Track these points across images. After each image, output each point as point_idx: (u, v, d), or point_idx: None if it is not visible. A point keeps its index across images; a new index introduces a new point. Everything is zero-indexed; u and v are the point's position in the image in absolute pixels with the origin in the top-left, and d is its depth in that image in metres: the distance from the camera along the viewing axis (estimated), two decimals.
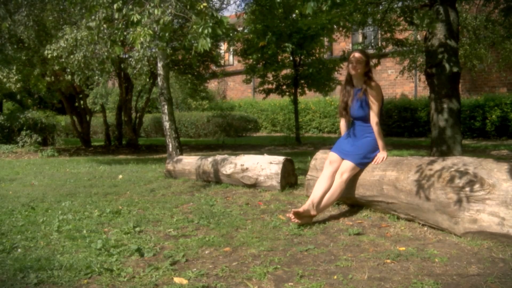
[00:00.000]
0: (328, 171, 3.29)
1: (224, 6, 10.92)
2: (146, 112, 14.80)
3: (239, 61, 12.33)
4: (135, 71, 7.94)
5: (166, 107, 7.46)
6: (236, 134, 16.81)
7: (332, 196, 3.20)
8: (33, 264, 2.33)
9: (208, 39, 3.65)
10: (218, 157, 4.86)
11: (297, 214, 3.03)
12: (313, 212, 3.12)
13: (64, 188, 4.96)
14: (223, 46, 14.20)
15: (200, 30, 3.64)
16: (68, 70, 7.96)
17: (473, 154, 6.74)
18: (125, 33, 4.23)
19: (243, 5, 10.51)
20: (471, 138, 12.25)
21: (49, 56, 7.60)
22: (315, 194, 3.20)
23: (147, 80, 10.88)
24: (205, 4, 3.80)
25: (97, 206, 3.84)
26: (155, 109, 19.33)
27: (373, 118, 3.30)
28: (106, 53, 6.42)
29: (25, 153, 10.65)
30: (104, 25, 4.41)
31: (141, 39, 3.96)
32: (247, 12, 10.58)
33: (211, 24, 3.63)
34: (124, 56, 9.30)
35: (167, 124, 7.49)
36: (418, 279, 2.03)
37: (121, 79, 11.32)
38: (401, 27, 8.64)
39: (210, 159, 4.92)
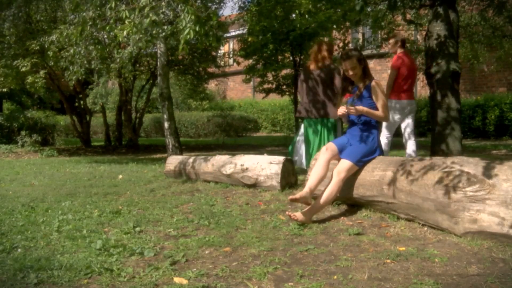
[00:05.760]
0: (323, 159, 3.34)
1: (222, 5, 10.92)
2: (146, 112, 14.80)
3: (237, 62, 12.32)
4: (117, 66, 7.89)
5: (166, 107, 7.46)
6: (236, 134, 16.81)
7: (330, 195, 3.20)
8: (33, 264, 2.32)
9: (189, 39, 3.69)
10: (218, 157, 4.86)
11: (295, 201, 3.14)
12: (310, 201, 3.19)
13: (64, 188, 4.96)
14: (224, 47, 14.21)
15: (185, 32, 3.66)
16: (47, 64, 7.97)
17: (473, 154, 6.75)
18: (114, 30, 4.23)
19: (239, 3, 10.49)
20: (471, 138, 12.26)
21: (31, 48, 7.61)
22: (311, 181, 3.26)
23: (131, 78, 10.84)
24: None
25: (97, 206, 3.84)
26: (155, 109, 19.33)
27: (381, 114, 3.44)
28: (94, 52, 6.41)
29: (25, 153, 10.65)
30: (89, 24, 4.41)
31: (125, 32, 3.96)
32: (247, 13, 10.58)
33: (197, 29, 3.65)
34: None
35: (167, 124, 7.50)
36: (418, 279, 2.03)
37: (120, 79, 11.32)
38: (400, 27, 8.65)
39: (209, 159, 4.92)
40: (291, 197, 3.16)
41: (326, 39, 11.69)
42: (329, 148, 3.39)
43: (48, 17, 8.61)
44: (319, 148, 4.66)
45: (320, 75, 4.82)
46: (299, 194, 3.15)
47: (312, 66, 4.88)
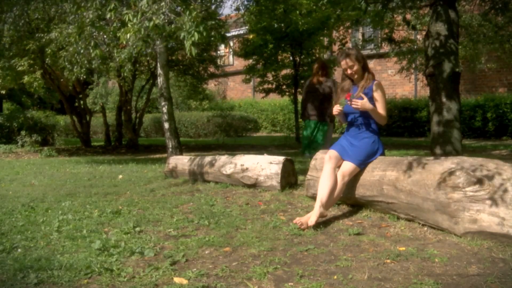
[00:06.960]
0: (328, 167, 3.25)
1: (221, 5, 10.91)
2: (146, 112, 14.79)
3: (236, 55, 12.28)
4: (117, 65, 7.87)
5: (166, 107, 7.46)
6: (236, 134, 16.81)
7: (335, 197, 3.22)
8: (33, 264, 2.32)
9: (195, 44, 3.71)
10: (218, 157, 4.86)
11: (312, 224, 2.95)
12: (325, 213, 3.13)
13: (64, 188, 4.96)
14: (224, 48, 14.20)
15: (189, 35, 3.66)
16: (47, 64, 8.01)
17: (473, 154, 6.75)
18: (117, 32, 4.23)
19: (241, 8, 10.50)
20: (471, 138, 12.26)
21: (28, 48, 7.60)
22: (322, 193, 3.13)
23: (130, 78, 10.85)
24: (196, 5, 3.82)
25: (97, 206, 3.84)
26: (155, 109, 19.33)
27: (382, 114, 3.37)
28: (93, 53, 6.41)
29: (25, 153, 10.65)
30: (88, 27, 4.41)
31: (128, 35, 3.97)
32: (247, 12, 10.59)
33: (201, 29, 3.65)
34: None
35: (167, 124, 7.50)
36: (418, 279, 2.03)
37: (119, 78, 11.31)
38: (400, 27, 8.64)
39: (209, 159, 4.92)
40: (311, 224, 2.93)
41: (325, 39, 11.69)
42: (332, 156, 3.29)
43: (46, 15, 8.61)
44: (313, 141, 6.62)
45: (320, 87, 6.55)
46: (315, 215, 2.98)
47: (314, 80, 6.58)
